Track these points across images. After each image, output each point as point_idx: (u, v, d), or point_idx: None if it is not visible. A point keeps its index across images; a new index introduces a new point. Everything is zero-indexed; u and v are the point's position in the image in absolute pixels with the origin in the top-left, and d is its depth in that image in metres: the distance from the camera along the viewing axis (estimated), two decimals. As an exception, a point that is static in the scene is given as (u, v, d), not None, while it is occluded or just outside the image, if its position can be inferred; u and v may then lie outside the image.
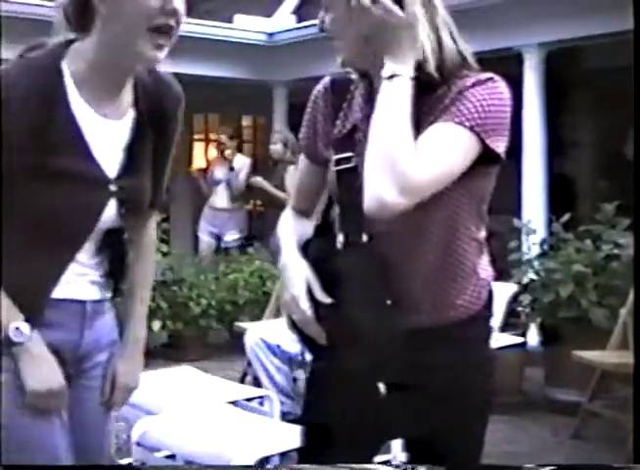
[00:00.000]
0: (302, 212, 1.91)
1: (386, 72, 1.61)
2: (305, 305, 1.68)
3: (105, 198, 1.75)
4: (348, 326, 1.65)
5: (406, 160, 1.55)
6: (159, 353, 5.81)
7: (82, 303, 1.80)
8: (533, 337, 5.44)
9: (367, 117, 1.69)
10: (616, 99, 5.26)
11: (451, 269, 1.73)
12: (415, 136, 1.59)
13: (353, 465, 1.76)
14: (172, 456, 3.12)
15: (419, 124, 1.61)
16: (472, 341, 1.79)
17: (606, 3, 5.43)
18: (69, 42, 1.72)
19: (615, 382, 4.56)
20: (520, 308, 5.12)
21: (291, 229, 1.85)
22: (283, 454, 2.86)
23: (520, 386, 5.13)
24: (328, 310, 1.68)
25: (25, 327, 1.68)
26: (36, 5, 6.43)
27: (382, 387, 1.76)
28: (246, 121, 10.85)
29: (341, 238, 1.72)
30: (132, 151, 1.78)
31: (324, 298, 1.68)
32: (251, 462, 2.73)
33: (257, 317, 5.82)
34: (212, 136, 9.86)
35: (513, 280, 5.08)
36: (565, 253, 4.91)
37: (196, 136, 10.18)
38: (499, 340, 4.72)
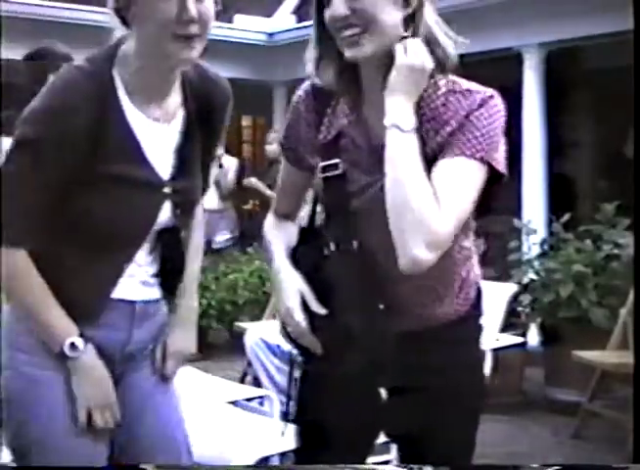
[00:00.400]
0: (286, 216, 1.89)
1: (389, 120, 1.60)
2: (300, 316, 1.68)
3: (160, 200, 1.77)
4: (343, 334, 1.66)
5: (432, 217, 1.56)
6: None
7: (132, 303, 1.81)
8: (533, 337, 5.44)
9: (353, 124, 1.69)
10: (616, 99, 5.26)
11: (440, 276, 1.72)
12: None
13: (354, 465, 1.77)
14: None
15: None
16: (462, 341, 1.79)
17: (606, 3, 5.43)
18: (117, 45, 1.73)
19: (615, 382, 4.56)
20: (520, 308, 5.12)
21: (278, 237, 1.83)
22: (283, 454, 2.86)
23: (520, 386, 5.13)
24: (322, 320, 1.68)
25: (80, 342, 1.70)
26: (36, 5, 6.45)
27: (380, 390, 1.77)
28: (245, 121, 10.85)
29: (332, 246, 1.71)
30: (183, 152, 1.80)
31: (319, 308, 1.68)
32: (251, 462, 2.73)
33: (257, 317, 5.83)
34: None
35: (513, 280, 5.08)
36: (565, 253, 4.91)
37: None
38: (499, 340, 4.72)
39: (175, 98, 1.79)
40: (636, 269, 3.77)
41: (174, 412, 1.94)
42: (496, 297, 4.97)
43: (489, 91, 1.66)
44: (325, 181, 1.72)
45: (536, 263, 5.10)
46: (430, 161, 1.61)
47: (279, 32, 8.31)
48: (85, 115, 1.63)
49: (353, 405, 1.78)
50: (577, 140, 7.69)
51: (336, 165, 1.70)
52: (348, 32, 1.60)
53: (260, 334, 4.47)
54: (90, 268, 1.73)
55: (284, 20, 8.70)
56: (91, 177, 1.67)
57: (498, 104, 1.65)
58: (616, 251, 4.80)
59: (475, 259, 1.81)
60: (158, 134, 1.75)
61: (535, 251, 5.23)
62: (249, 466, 2.67)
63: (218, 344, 6.47)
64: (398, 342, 1.66)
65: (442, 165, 1.61)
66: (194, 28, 1.64)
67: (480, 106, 1.63)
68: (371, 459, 2.10)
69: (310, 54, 1.69)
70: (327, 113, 1.74)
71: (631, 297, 4.31)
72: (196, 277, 1.98)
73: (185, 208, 1.83)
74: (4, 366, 1.75)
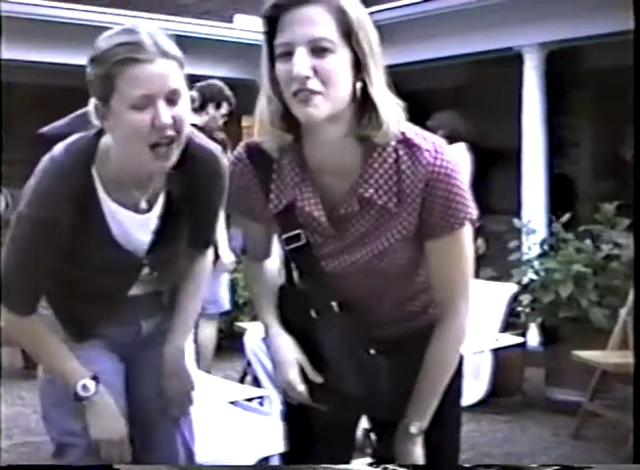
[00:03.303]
0: (261, 257, 1.88)
1: None
2: (302, 387, 1.71)
3: (138, 269, 1.93)
4: (340, 395, 1.71)
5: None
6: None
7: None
8: (533, 337, 5.44)
9: (306, 196, 1.64)
10: (616, 99, 5.25)
11: (414, 300, 1.78)
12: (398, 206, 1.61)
13: (354, 466, 1.77)
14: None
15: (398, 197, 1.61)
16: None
17: (606, 3, 5.42)
18: (99, 137, 1.79)
19: (615, 382, 4.56)
20: (520, 308, 5.12)
21: (264, 294, 1.85)
22: (283, 454, 2.86)
23: (520, 386, 5.13)
24: (319, 385, 1.72)
25: (91, 384, 1.89)
26: (36, 5, 6.44)
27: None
28: (246, 121, 10.84)
29: (313, 314, 1.72)
30: (162, 232, 1.89)
31: (316, 377, 1.71)
32: (251, 462, 2.73)
33: (257, 317, 5.80)
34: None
35: (513, 280, 5.08)
36: (565, 253, 4.90)
37: (196, 136, 10.18)
38: (499, 340, 4.72)
39: (156, 184, 1.85)
40: (636, 269, 3.77)
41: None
42: (496, 297, 4.97)
43: (439, 141, 1.63)
44: (291, 251, 1.71)
45: (536, 263, 5.09)
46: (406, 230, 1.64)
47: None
48: (65, 218, 1.76)
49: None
50: (577, 140, 7.68)
51: (298, 237, 1.68)
52: (305, 92, 1.51)
53: (260, 334, 4.46)
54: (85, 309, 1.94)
55: None
56: (74, 261, 1.84)
57: (449, 151, 1.64)
58: (616, 251, 4.80)
59: None
60: (135, 223, 1.85)
61: (535, 251, 5.23)
62: (249, 466, 2.67)
63: (218, 344, 6.45)
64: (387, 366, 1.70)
65: (436, 248, 1.66)
66: (169, 132, 1.67)
67: (447, 166, 1.60)
68: (367, 460, 2.10)
69: (261, 111, 1.61)
70: (273, 178, 1.68)
71: (631, 297, 4.31)
72: (188, 323, 2.09)
73: (162, 271, 1.97)
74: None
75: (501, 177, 6.56)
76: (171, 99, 1.67)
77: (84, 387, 1.89)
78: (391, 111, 1.57)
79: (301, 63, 1.49)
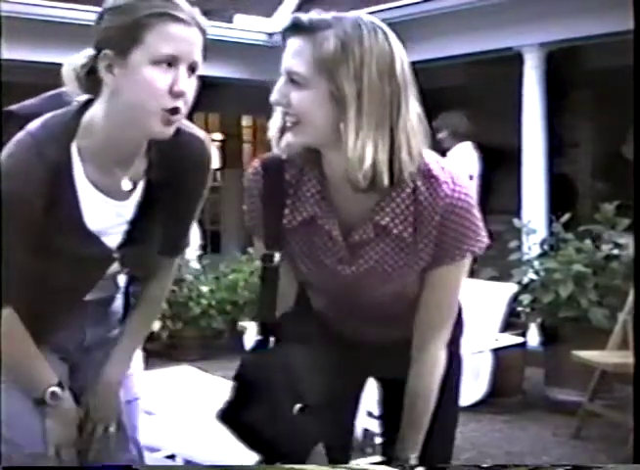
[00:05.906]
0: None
1: None
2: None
3: (107, 263, 1.81)
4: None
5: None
6: (158, 354, 5.80)
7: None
8: (533, 337, 5.44)
9: (325, 214, 1.63)
10: (616, 99, 5.26)
11: (408, 310, 1.74)
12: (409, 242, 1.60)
13: (355, 465, 1.77)
14: (172, 456, 3.12)
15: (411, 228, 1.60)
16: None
17: (606, 3, 5.43)
18: (81, 112, 1.69)
19: (615, 382, 4.56)
20: (520, 308, 5.12)
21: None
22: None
23: (520, 386, 5.14)
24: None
25: (59, 391, 1.78)
26: (36, 5, 6.44)
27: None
28: (246, 121, 10.84)
29: (313, 336, 1.72)
30: (138, 223, 1.78)
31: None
32: (251, 462, 2.73)
33: (257, 317, 5.80)
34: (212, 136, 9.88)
35: (513, 280, 5.08)
36: (565, 253, 4.91)
37: (196, 136, 10.18)
38: (499, 340, 4.72)
39: (138, 167, 1.75)
40: (636, 269, 3.77)
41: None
42: (496, 297, 4.97)
43: (454, 172, 1.61)
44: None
45: (536, 263, 5.10)
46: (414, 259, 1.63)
47: (279, 32, 8.28)
48: (38, 197, 1.64)
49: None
50: (577, 140, 7.69)
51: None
52: (286, 118, 1.57)
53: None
54: (45, 307, 1.78)
55: (284, 20, 8.69)
56: (40, 245, 1.69)
57: (465, 182, 1.62)
58: (616, 251, 4.80)
59: None
60: (111, 210, 1.74)
61: (535, 251, 5.23)
62: (249, 466, 2.67)
63: (218, 344, 6.46)
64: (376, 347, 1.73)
65: (435, 276, 1.65)
66: (180, 103, 1.60)
67: (460, 198, 1.59)
68: (367, 460, 2.10)
69: (274, 122, 1.62)
70: (289, 193, 1.66)
71: (631, 297, 4.31)
72: (142, 331, 1.96)
73: (133, 268, 1.86)
74: None
75: (501, 177, 6.56)
76: (190, 71, 1.62)
77: (53, 394, 1.77)
78: (363, 154, 1.51)
79: (275, 90, 1.58)
